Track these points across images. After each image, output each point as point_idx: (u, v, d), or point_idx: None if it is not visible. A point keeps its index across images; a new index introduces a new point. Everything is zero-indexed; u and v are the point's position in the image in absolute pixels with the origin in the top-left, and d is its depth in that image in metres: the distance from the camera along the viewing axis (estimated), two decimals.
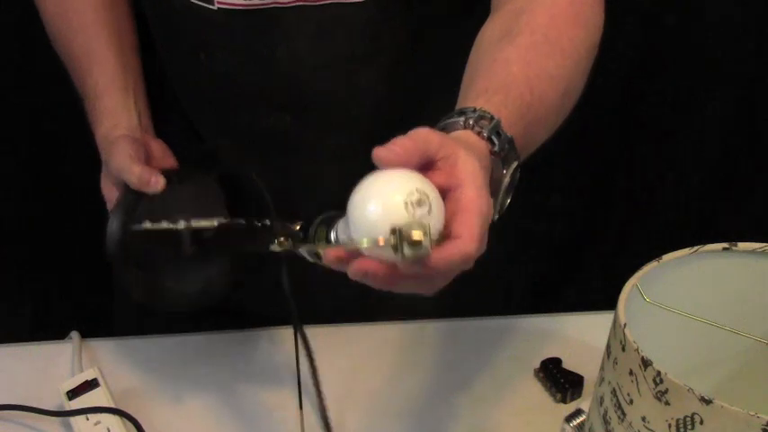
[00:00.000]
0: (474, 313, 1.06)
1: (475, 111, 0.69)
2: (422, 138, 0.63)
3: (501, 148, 0.69)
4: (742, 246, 0.70)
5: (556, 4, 0.80)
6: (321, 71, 0.90)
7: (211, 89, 0.95)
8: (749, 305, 0.72)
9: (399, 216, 0.59)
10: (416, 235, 0.58)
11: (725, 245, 0.70)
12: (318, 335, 0.96)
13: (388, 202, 0.59)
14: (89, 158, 0.95)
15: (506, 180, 0.70)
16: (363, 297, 1.05)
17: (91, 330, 1.01)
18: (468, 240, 0.60)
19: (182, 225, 0.81)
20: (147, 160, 0.88)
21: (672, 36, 1.47)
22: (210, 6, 0.87)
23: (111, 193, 0.90)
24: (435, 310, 1.06)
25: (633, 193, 1.61)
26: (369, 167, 0.69)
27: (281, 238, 0.71)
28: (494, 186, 0.68)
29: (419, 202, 0.59)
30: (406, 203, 0.59)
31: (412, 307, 1.06)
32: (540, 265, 1.64)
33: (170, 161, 0.92)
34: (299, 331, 0.88)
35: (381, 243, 0.59)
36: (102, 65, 0.94)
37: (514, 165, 0.70)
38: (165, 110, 1.04)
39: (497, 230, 1.12)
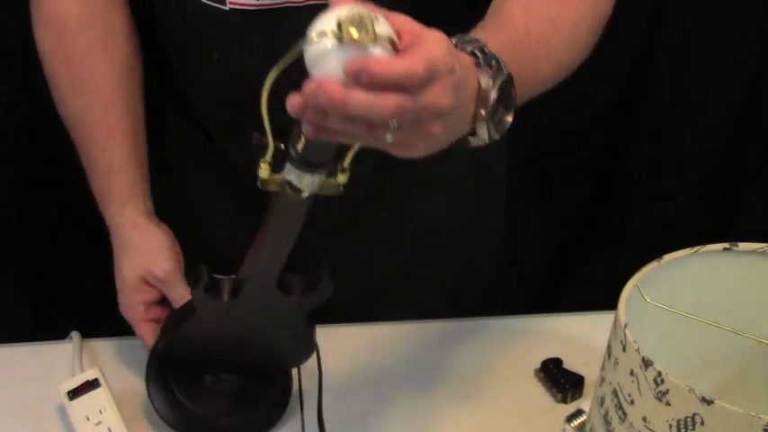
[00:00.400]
0: (474, 313, 1.06)
1: (461, 35, 0.70)
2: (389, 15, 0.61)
3: (486, 62, 0.69)
4: (742, 246, 0.70)
5: None
6: None
7: (225, 89, 0.94)
8: (749, 305, 0.72)
9: (342, 13, 0.58)
10: (359, 18, 0.58)
11: (725, 245, 0.70)
12: (318, 335, 0.96)
13: (333, 13, 0.59)
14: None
15: (494, 92, 0.69)
16: (363, 297, 1.06)
17: (91, 330, 1.01)
18: (415, 58, 0.58)
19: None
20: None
21: (672, 36, 1.47)
22: (222, 7, 0.87)
23: (136, 314, 0.94)
24: (435, 310, 1.06)
25: (633, 193, 1.61)
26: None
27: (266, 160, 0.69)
28: (482, 96, 0.68)
29: (366, 18, 0.58)
30: (353, 14, 0.58)
31: (412, 307, 1.06)
32: (540, 265, 1.64)
33: (177, 251, 0.94)
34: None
35: (328, 30, 0.58)
36: (119, 142, 0.94)
37: (502, 78, 0.69)
38: (166, 109, 1.04)
39: (498, 230, 1.13)
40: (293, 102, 0.60)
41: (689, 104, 1.51)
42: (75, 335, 0.98)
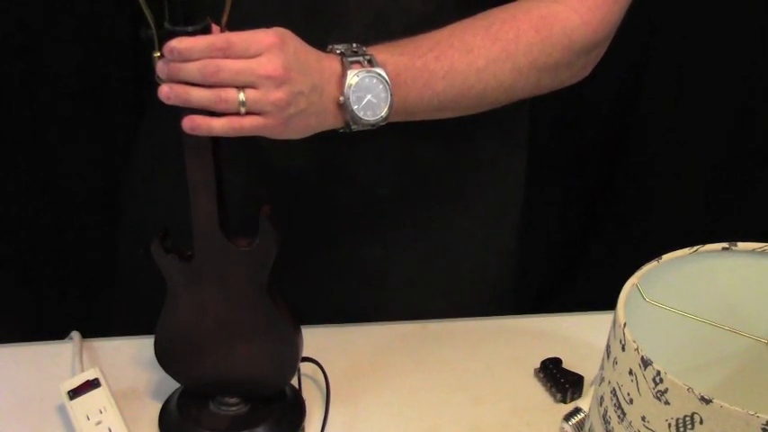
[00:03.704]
0: (474, 313, 1.06)
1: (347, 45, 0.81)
2: None
3: (349, 54, 0.80)
4: (742, 246, 0.70)
5: (527, 9, 0.87)
6: None
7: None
8: (749, 305, 0.72)
9: None
10: None
11: (725, 245, 0.70)
12: (318, 335, 0.96)
13: None
14: (89, 158, 0.95)
15: (349, 79, 0.79)
16: (363, 297, 1.06)
17: (91, 330, 1.01)
18: (219, 36, 0.72)
19: None
20: None
21: (672, 35, 1.47)
22: None
23: None
24: (435, 310, 1.06)
25: (633, 193, 1.61)
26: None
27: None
28: (342, 82, 0.79)
29: None
30: None
31: (412, 307, 1.06)
32: (540, 265, 1.64)
33: None
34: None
35: None
36: None
37: (373, 73, 0.80)
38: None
39: (498, 230, 1.13)
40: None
41: (689, 105, 1.51)
42: (75, 335, 0.98)
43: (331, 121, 0.81)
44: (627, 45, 1.41)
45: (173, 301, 0.85)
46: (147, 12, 0.71)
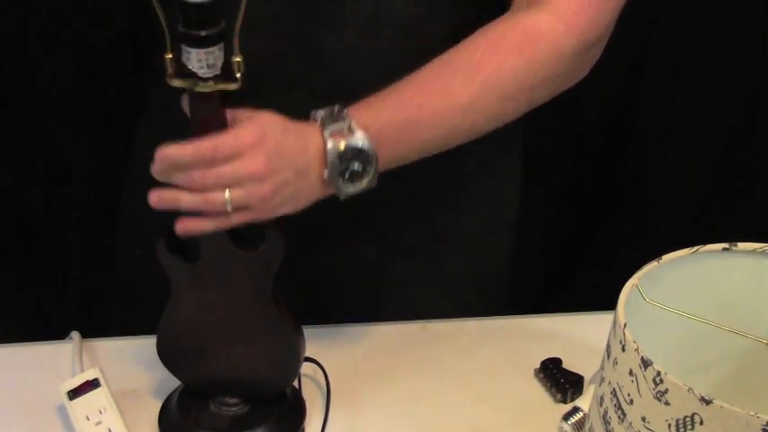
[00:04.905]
0: (474, 313, 1.06)
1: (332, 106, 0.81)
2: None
3: (329, 122, 0.79)
4: (742, 246, 0.70)
5: (508, 29, 0.86)
6: (365, 63, 0.90)
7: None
8: (749, 305, 0.72)
9: None
10: None
11: (725, 245, 0.70)
12: (318, 335, 0.96)
13: None
14: (89, 158, 0.95)
15: (331, 154, 0.79)
16: (363, 297, 1.06)
17: (91, 330, 1.01)
18: (206, 143, 0.74)
19: None
20: None
21: (671, 35, 1.47)
22: None
23: None
24: (435, 310, 1.06)
25: (633, 193, 1.61)
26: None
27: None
28: (327, 158, 0.79)
29: None
30: None
31: (412, 307, 1.06)
32: (540, 265, 1.64)
33: None
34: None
35: None
36: None
37: (353, 144, 0.79)
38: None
39: (494, 229, 1.13)
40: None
41: (688, 104, 1.51)
42: (75, 335, 0.98)
43: (320, 195, 0.82)
44: (625, 44, 1.42)
45: (176, 300, 0.85)
46: (159, 13, 0.71)
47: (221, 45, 0.73)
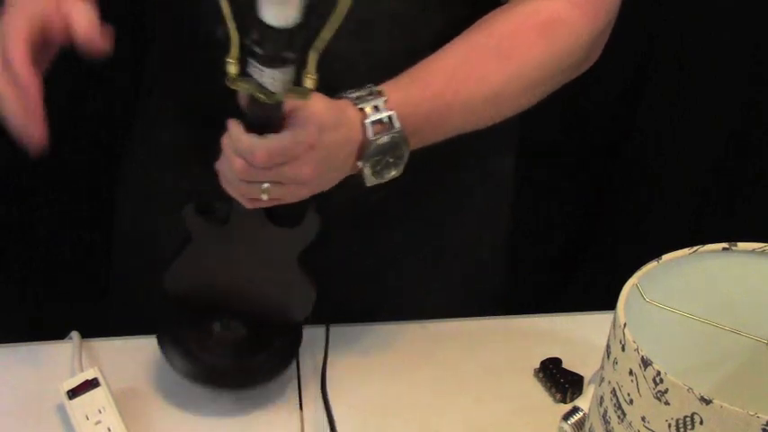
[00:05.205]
0: (474, 313, 1.06)
1: (368, 87, 0.80)
2: None
3: (377, 120, 0.79)
4: (742, 246, 0.70)
5: (528, 16, 0.86)
6: (357, 66, 0.90)
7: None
8: (749, 305, 0.72)
9: None
10: None
11: (725, 245, 0.70)
12: (318, 335, 0.96)
13: None
14: (89, 158, 0.95)
15: (372, 138, 0.79)
16: (363, 297, 1.06)
17: (91, 330, 1.01)
18: (263, 148, 0.74)
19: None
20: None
21: (671, 36, 1.47)
22: None
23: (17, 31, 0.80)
24: (435, 310, 1.06)
25: (633, 192, 1.61)
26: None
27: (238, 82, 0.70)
28: (364, 147, 0.80)
29: None
30: None
31: (412, 307, 1.06)
32: (541, 264, 1.64)
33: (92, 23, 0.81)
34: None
35: None
36: None
37: (393, 133, 0.80)
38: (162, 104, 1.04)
39: (498, 230, 1.13)
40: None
41: (688, 104, 1.51)
42: (75, 335, 0.98)
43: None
44: (627, 44, 1.42)
45: (195, 249, 0.86)
46: (231, 27, 0.67)
47: (293, 66, 0.70)
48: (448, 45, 0.85)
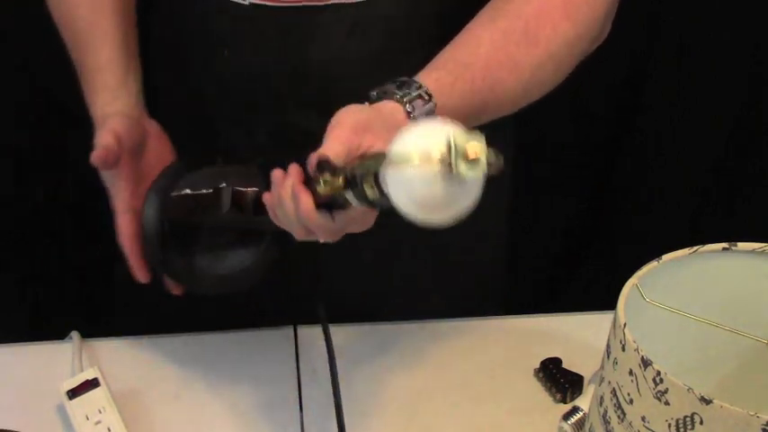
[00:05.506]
0: (474, 313, 1.06)
1: (418, 87, 0.77)
2: None
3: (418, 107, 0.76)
4: (742, 246, 0.70)
5: None
6: (353, 68, 0.90)
7: (232, 86, 0.94)
8: (749, 305, 0.72)
9: (451, 132, 0.54)
10: (474, 148, 0.54)
11: (725, 245, 0.70)
12: (318, 335, 0.96)
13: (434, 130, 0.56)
14: (88, 157, 0.95)
15: None
16: (362, 297, 1.06)
17: (91, 330, 1.01)
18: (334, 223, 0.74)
19: (222, 185, 0.87)
20: (143, 139, 0.90)
21: (670, 36, 1.47)
22: (242, 2, 0.86)
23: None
24: (436, 309, 1.06)
25: (633, 192, 1.61)
26: None
27: (327, 177, 0.68)
28: None
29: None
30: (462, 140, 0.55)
31: (412, 307, 1.06)
32: (541, 264, 1.64)
33: (166, 142, 0.93)
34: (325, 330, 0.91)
35: (435, 156, 0.54)
36: (105, 40, 0.92)
37: None
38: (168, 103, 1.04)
39: (498, 230, 1.13)
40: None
41: (688, 104, 1.51)
42: (75, 335, 0.98)
43: None
44: (626, 42, 1.42)
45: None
46: (369, 192, 0.66)
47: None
48: (474, 27, 0.83)
